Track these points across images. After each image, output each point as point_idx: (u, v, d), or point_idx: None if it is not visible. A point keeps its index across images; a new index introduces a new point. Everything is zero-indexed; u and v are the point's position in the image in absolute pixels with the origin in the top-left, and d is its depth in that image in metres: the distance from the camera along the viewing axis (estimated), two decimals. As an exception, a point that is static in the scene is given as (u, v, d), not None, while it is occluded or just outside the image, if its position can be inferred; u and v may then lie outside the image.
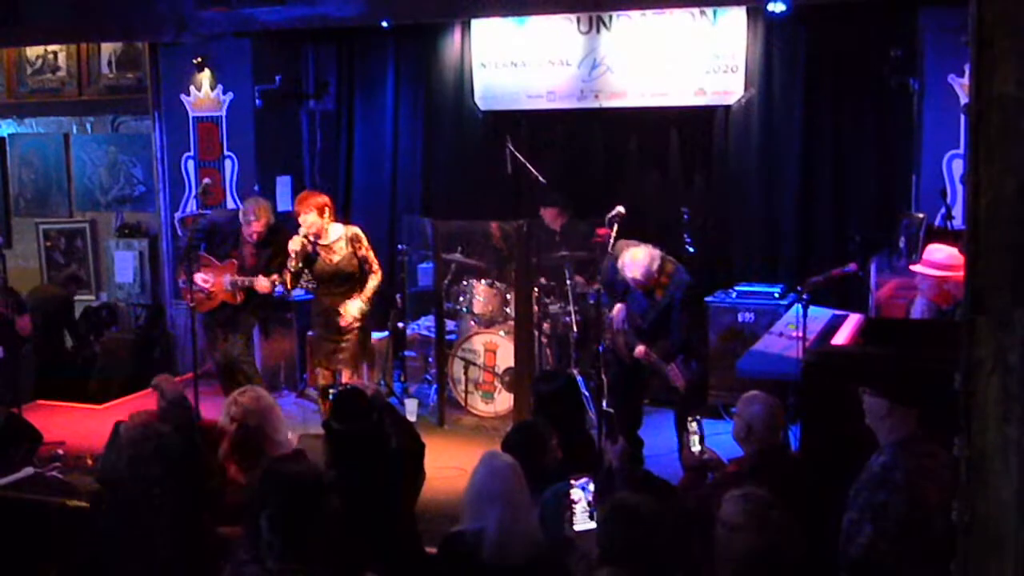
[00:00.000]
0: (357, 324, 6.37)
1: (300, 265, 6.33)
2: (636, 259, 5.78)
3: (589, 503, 3.42)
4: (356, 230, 6.48)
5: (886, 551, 3.21)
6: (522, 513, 3.38)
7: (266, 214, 6.66)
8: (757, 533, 3.01)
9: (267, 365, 7.81)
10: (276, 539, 2.95)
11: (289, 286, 6.50)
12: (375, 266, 6.41)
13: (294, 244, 6.29)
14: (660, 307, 5.85)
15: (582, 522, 3.40)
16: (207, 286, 6.72)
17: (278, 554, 2.94)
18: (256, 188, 8.04)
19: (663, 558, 2.91)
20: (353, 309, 6.30)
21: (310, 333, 7.78)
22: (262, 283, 6.53)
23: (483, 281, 7.34)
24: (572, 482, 3.45)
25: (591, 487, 3.44)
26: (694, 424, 4.35)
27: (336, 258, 6.34)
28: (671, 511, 3.12)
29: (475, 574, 3.32)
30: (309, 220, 6.27)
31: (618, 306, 6.05)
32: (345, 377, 6.38)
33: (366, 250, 6.42)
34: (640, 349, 5.86)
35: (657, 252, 5.85)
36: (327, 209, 6.35)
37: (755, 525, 3.02)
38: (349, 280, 6.35)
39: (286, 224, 6.87)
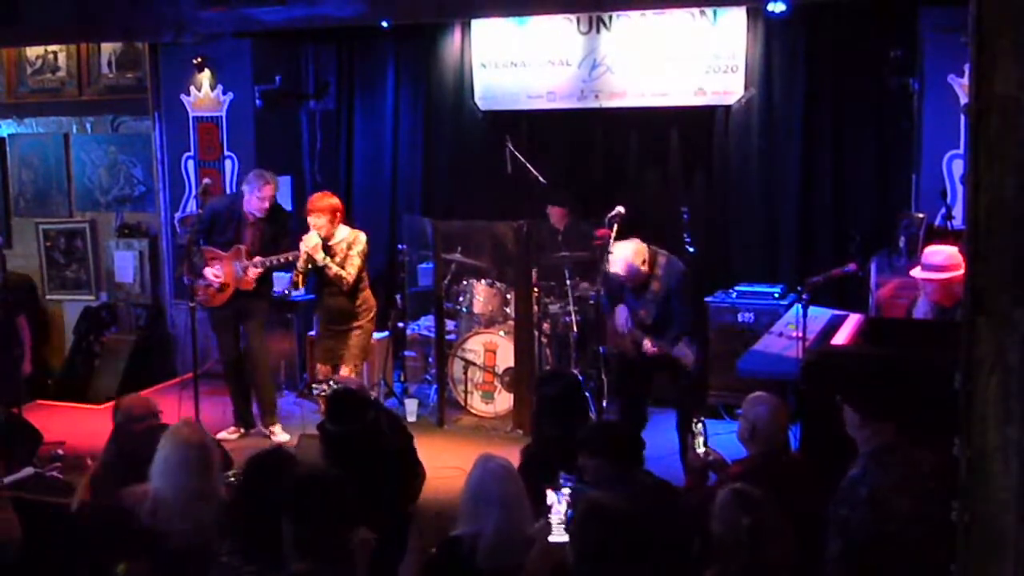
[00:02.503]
0: (355, 322, 6.44)
1: (310, 267, 6.44)
2: (617, 256, 5.79)
3: (565, 511, 3.32)
4: (358, 234, 6.57)
5: (854, 565, 3.20)
6: (518, 515, 3.37)
7: (274, 182, 6.65)
8: (744, 529, 3.03)
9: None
10: (303, 539, 2.93)
11: (301, 285, 6.56)
12: (350, 269, 6.43)
13: (308, 243, 6.34)
14: (659, 300, 5.84)
15: (557, 534, 3.31)
16: (218, 279, 6.64)
17: (304, 554, 2.92)
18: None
19: (638, 557, 2.91)
20: (309, 240, 6.33)
21: (310, 333, 7.82)
22: (254, 271, 6.50)
23: (483, 281, 7.35)
24: (549, 490, 3.39)
25: (567, 492, 3.36)
26: (699, 425, 4.34)
27: (338, 260, 6.45)
28: (646, 510, 3.12)
29: None
30: (320, 223, 6.37)
31: (619, 308, 6.04)
32: (343, 373, 6.46)
33: (358, 255, 6.48)
34: (647, 343, 5.85)
35: (643, 246, 5.86)
36: (338, 213, 6.48)
37: (743, 521, 3.04)
38: (346, 283, 6.46)
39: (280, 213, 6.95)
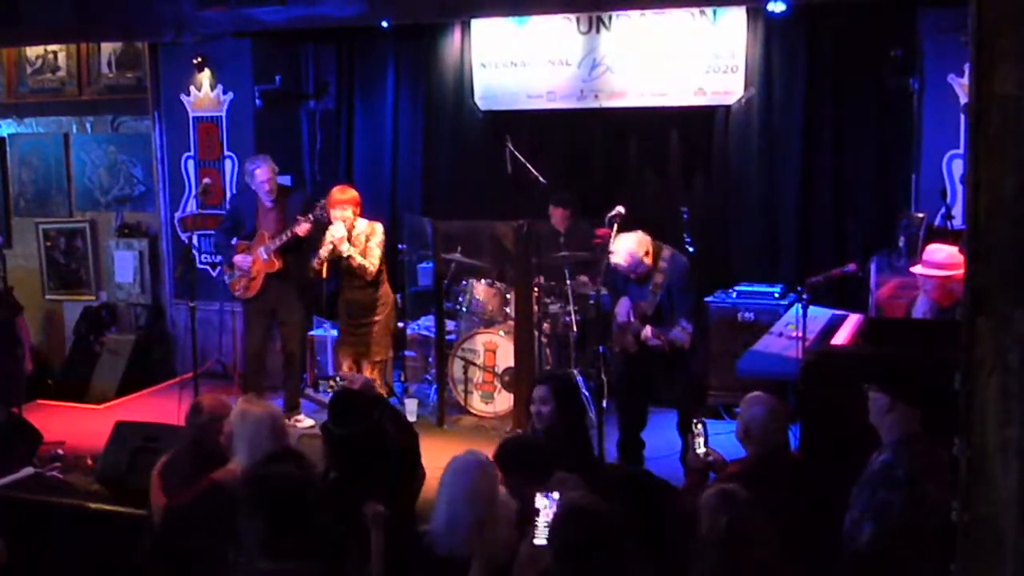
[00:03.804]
0: (374, 316, 6.68)
1: (330, 256, 6.61)
2: (621, 246, 5.78)
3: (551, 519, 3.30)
4: (376, 225, 6.78)
5: (888, 549, 3.21)
6: (477, 507, 3.36)
7: (267, 162, 6.86)
8: (722, 528, 3.05)
9: (269, 364, 7.79)
10: (267, 539, 2.94)
11: (324, 273, 6.68)
12: (372, 259, 6.63)
13: (335, 234, 6.53)
14: (661, 292, 5.81)
15: (542, 536, 3.29)
16: (247, 265, 6.85)
17: (269, 554, 2.94)
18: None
19: (617, 559, 2.91)
20: (336, 231, 6.53)
21: (310, 333, 7.82)
22: (302, 227, 6.64)
23: (483, 281, 7.35)
24: (538, 494, 3.38)
25: (555, 497, 3.35)
26: (699, 426, 4.34)
27: (358, 251, 6.62)
28: (625, 510, 3.12)
29: (434, 569, 3.34)
30: (347, 215, 6.58)
31: (621, 301, 6.02)
32: (366, 371, 6.68)
33: (377, 245, 6.69)
34: (647, 331, 5.82)
35: (647, 239, 5.83)
36: (359, 206, 6.71)
37: (721, 520, 3.05)
38: (361, 274, 6.63)
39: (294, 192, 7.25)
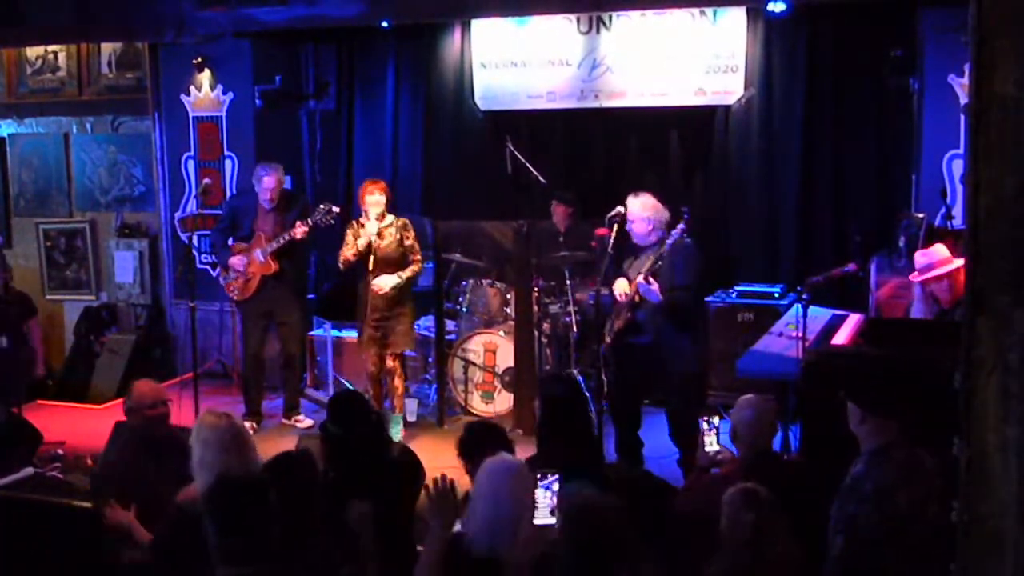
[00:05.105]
0: (399, 308, 6.66)
1: (359, 248, 6.57)
2: (634, 200, 5.78)
3: (551, 501, 3.48)
4: (405, 220, 6.78)
5: (858, 562, 3.21)
6: (513, 506, 3.38)
7: (277, 172, 6.87)
8: (748, 526, 3.06)
9: (269, 364, 7.80)
10: (223, 544, 2.94)
11: (352, 260, 6.63)
12: (418, 256, 6.68)
13: (371, 228, 6.54)
14: (659, 258, 5.71)
15: (543, 517, 3.45)
16: (243, 267, 6.88)
17: (225, 559, 2.93)
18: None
19: (625, 556, 2.91)
20: (386, 282, 6.54)
21: (310, 333, 7.82)
22: (300, 230, 6.65)
23: (483, 281, 7.36)
24: (538, 479, 3.48)
25: (555, 487, 3.49)
26: (709, 424, 4.34)
27: (384, 243, 6.59)
28: (633, 509, 3.13)
29: (472, 570, 3.33)
30: (381, 200, 6.58)
31: (619, 280, 5.90)
32: (389, 362, 6.70)
33: (413, 240, 6.69)
34: (639, 279, 5.68)
35: (660, 206, 5.81)
36: (390, 197, 6.72)
37: (747, 517, 3.07)
38: (395, 266, 6.62)
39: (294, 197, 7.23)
